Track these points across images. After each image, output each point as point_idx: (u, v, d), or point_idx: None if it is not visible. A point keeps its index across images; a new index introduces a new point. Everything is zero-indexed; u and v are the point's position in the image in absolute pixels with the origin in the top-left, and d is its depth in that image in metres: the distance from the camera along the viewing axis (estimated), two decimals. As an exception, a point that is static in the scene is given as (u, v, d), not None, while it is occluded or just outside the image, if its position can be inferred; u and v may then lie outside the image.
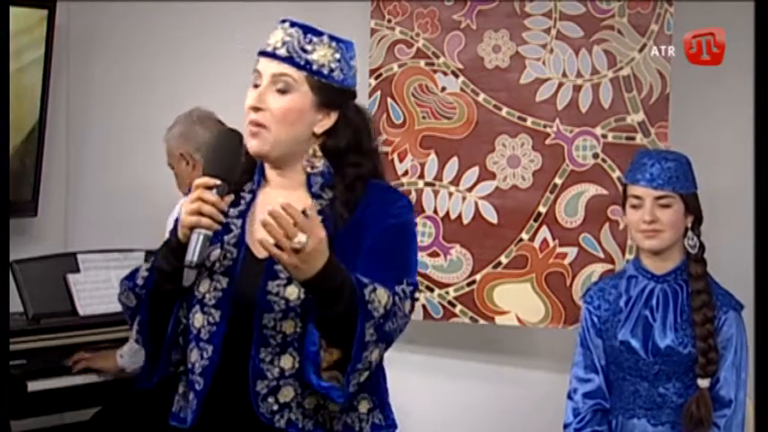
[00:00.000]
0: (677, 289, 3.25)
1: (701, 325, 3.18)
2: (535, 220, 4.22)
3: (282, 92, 2.36)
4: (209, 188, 2.26)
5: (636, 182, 3.24)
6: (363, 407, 2.37)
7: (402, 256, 2.38)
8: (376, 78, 4.29)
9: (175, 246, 2.30)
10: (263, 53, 2.40)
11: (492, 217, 4.21)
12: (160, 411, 3.83)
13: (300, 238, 2.11)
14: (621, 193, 3.38)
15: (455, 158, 4.25)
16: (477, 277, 4.22)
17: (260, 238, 2.15)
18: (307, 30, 2.39)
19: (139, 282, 2.35)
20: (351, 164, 2.41)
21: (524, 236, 4.22)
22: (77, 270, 4.13)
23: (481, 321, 4.21)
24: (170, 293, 2.34)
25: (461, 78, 4.26)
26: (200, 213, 2.24)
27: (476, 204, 4.24)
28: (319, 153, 2.41)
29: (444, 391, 4.31)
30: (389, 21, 4.28)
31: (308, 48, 2.38)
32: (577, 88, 4.19)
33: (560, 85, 4.20)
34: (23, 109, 4.41)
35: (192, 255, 2.24)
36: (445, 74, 4.27)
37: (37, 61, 4.40)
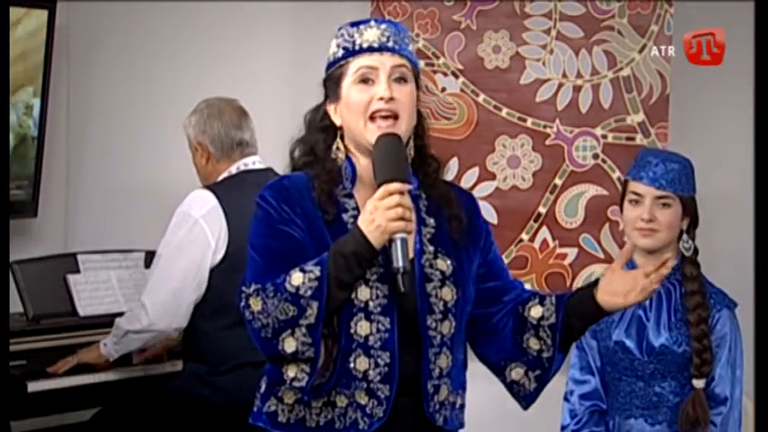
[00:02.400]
0: (670, 288, 3.26)
1: (695, 325, 3.18)
2: (535, 221, 4.22)
3: (403, 81, 2.42)
4: (401, 193, 2.31)
5: (639, 179, 3.23)
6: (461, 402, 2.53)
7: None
8: (376, 79, 4.29)
9: (368, 255, 2.31)
10: (368, 49, 2.41)
11: (492, 217, 4.21)
12: (160, 412, 3.84)
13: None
14: (621, 187, 3.37)
15: (455, 159, 4.25)
16: (477, 278, 4.22)
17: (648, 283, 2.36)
18: (395, 25, 2.47)
19: (305, 292, 2.29)
20: (432, 158, 2.51)
21: (524, 236, 4.22)
22: (77, 270, 4.12)
23: (481, 322, 4.21)
24: (338, 304, 2.34)
25: (461, 79, 4.27)
26: (403, 219, 2.29)
27: (476, 205, 4.24)
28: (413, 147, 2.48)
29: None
30: (389, 21, 4.28)
31: (406, 41, 2.46)
32: (577, 89, 4.19)
33: (560, 85, 4.20)
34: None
35: (400, 260, 2.29)
36: (445, 74, 4.27)
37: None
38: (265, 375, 2.44)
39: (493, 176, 4.24)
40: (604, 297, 2.37)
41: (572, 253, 4.19)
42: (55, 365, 3.89)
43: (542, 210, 4.21)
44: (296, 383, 2.35)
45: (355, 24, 2.45)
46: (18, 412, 3.76)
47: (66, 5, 4.53)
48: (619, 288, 2.36)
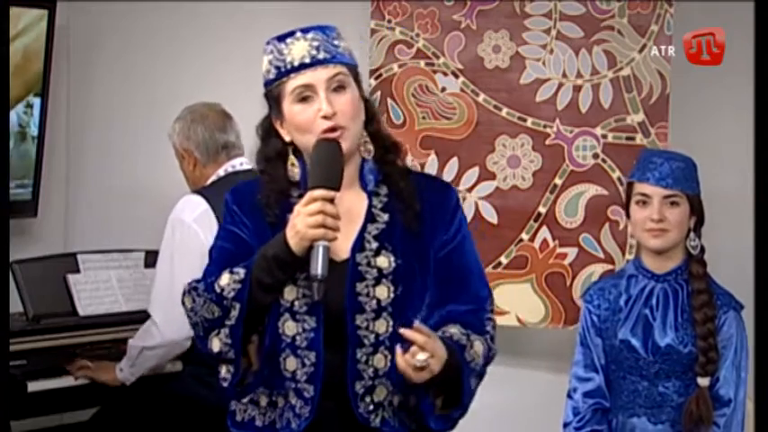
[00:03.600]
0: (677, 288, 3.26)
1: (701, 324, 3.18)
2: (535, 221, 4.22)
3: (342, 89, 2.40)
4: (327, 200, 2.29)
5: (645, 180, 3.23)
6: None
7: (477, 266, 2.53)
8: (376, 79, 4.29)
9: (288, 259, 2.30)
10: (300, 67, 2.39)
11: (492, 217, 4.22)
12: (160, 412, 3.84)
13: (421, 356, 2.24)
14: (625, 191, 3.37)
15: (455, 159, 4.25)
16: (477, 277, 4.22)
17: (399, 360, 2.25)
18: (321, 28, 2.44)
19: (228, 294, 2.31)
20: (389, 149, 2.47)
21: (524, 236, 4.22)
22: (77, 270, 4.12)
23: (481, 322, 4.21)
24: (265, 305, 2.35)
25: (461, 79, 4.27)
26: (324, 226, 2.27)
27: (476, 204, 4.24)
28: (368, 139, 2.46)
29: (444, 392, 4.31)
30: (389, 21, 4.28)
31: (336, 42, 2.44)
32: (577, 88, 4.19)
33: (560, 85, 4.20)
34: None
35: (319, 268, 2.27)
36: (445, 74, 4.27)
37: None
38: None
39: (493, 176, 4.24)
40: None
41: (572, 253, 4.19)
42: (73, 365, 3.90)
43: (542, 209, 4.21)
44: (224, 383, 2.39)
45: (282, 39, 2.42)
46: (18, 412, 3.76)
47: (66, 5, 4.53)
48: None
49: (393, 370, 2.33)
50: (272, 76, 2.42)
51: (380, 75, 4.29)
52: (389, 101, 4.28)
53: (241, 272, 2.32)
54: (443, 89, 4.27)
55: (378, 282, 2.36)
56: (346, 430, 2.37)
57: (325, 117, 2.35)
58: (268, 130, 2.47)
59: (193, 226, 3.70)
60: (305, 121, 2.37)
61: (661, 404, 3.23)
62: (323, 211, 2.27)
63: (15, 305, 3.91)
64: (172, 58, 4.72)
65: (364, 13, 4.32)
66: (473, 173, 4.25)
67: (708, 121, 4.31)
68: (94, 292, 4.13)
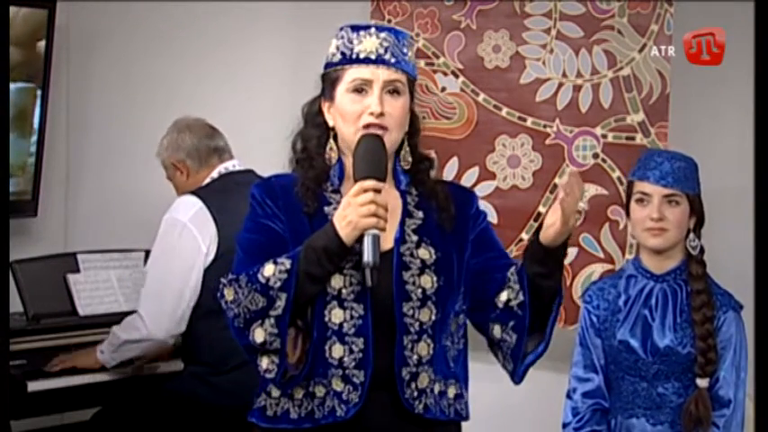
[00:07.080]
0: (676, 289, 3.26)
1: (700, 325, 3.18)
2: (535, 221, 4.22)
3: (396, 94, 2.46)
4: (376, 191, 2.35)
5: (645, 179, 3.23)
6: (465, 395, 2.54)
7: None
8: (376, 78, 4.28)
9: (338, 250, 2.35)
10: (365, 60, 2.45)
11: (492, 217, 4.21)
12: (160, 412, 3.84)
13: (583, 203, 2.36)
14: (626, 189, 3.37)
15: (455, 158, 4.25)
16: (478, 277, 4.22)
17: (562, 198, 2.31)
18: (395, 33, 2.50)
19: (274, 284, 2.34)
20: (425, 158, 2.56)
21: (524, 236, 4.23)
22: (77, 270, 4.12)
23: (481, 321, 4.21)
24: (310, 296, 2.38)
25: (461, 78, 4.27)
26: (376, 215, 2.33)
27: (476, 204, 4.24)
28: (408, 150, 2.52)
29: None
30: (389, 21, 4.28)
31: (405, 50, 2.49)
32: (577, 88, 4.19)
33: (560, 85, 4.20)
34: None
35: (371, 256, 2.33)
36: (445, 74, 4.27)
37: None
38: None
39: (493, 176, 4.24)
40: (543, 233, 2.39)
41: (572, 252, 4.18)
42: (52, 364, 3.89)
43: (542, 209, 4.21)
44: (267, 375, 2.39)
45: (356, 29, 2.48)
46: (18, 412, 3.76)
47: (66, 5, 4.53)
48: (551, 219, 2.38)
49: (435, 358, 2.43)
50: (335, 60, 2.48)
51: (380, 74, 4.28)
52: (389, 101, 4.27)
53: (287, 262, 2.35)
54: (443, 89, 4.27)
55: (422, 272, 2.43)
56: (393, 416, 2.42)
57: (371, 114, 2.42)
58: (316, 111, 2.53)
59: (188, 225, 3.71)
60: (352, 112, 2.44)
61: (660, 405, 3.23)
62: (374, 201, 2.34)
63: (15, 305, 3.91)
64: (172, 58, 4.72)
65: (364, 13, 4.32)
66: (473, 173, 4.25)
67: (708, 121, 4.31)
68: (94, 291, 4.13)
